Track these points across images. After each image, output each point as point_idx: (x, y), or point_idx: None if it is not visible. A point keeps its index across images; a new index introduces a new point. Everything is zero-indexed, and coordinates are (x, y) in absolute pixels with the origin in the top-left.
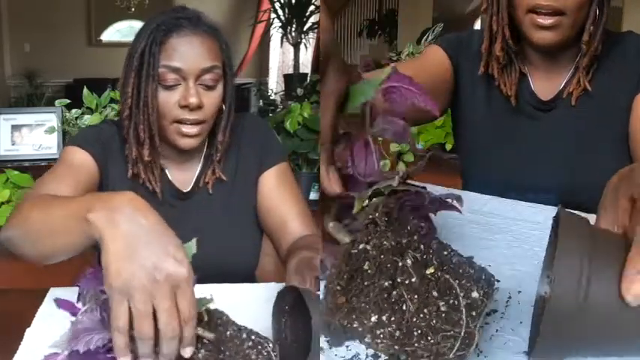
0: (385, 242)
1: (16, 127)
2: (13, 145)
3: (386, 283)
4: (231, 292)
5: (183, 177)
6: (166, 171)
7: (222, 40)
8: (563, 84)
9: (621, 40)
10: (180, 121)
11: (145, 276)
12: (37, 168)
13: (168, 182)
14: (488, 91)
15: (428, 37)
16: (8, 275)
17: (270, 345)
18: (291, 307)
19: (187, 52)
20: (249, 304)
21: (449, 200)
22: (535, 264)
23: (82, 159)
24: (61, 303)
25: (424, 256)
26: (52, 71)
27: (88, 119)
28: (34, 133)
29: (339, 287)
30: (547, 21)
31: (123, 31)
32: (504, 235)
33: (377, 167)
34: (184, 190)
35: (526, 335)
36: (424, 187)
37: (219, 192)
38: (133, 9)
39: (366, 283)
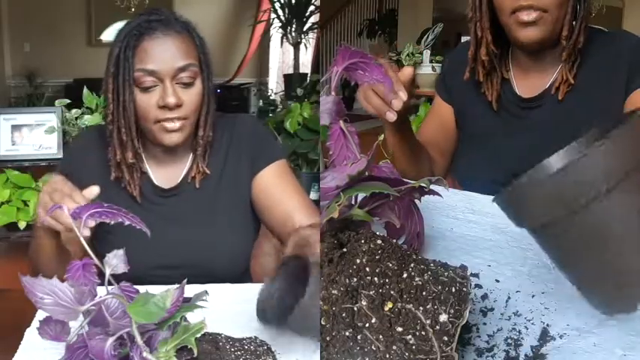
0: (334, 291)
1: (16, 127)
2: (13, 145)
3: (347, 333)
4: (231, 291)
5: (170, 175)
6: (149, 170)
7: (196, 37)
8: (550, 82)
9: (613, 38)
10: (161, 121)
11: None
12: (37, 168)
13: (150, 182)
14: (477, 97)
15: (428, 37)
16: (8, 275)
17: (271, 353)
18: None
19: (160, 54)
20: (248, 304)
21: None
22: (535, 264)
23: None
24: (44, 332)
25: (380, 290)
26: (52, 71)
27: (88, 119)
28: (34, 133)
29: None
30: (530, 16)
31: None
32: (504, 235)
33: (355, 151)
34: (167, 187)
35: (525, 333)
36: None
37: (206, 189)
38: (133, 9)
39: (328, 338)
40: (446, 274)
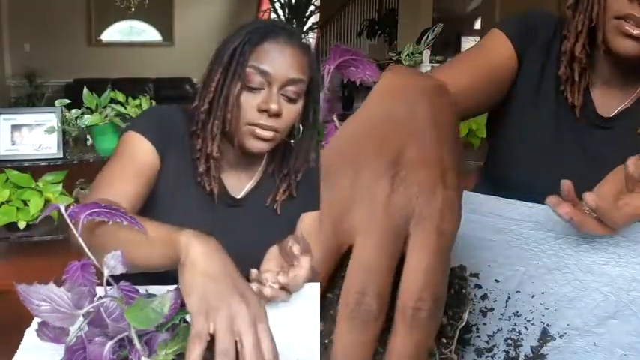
0: (329, 294)
1: (16, 127)
2: (13, 145)
3: None
4: None
5: (236, 184)
6: (221, 174)
7: (312, 58)
8: (626, 104)
9: None
10: (254, 125)
11: (233, 298)
12: (37, 168)
13: (223, 186)
14: (554, 91)
15: (428, 37)
16: (8, 275)
17: None
18: None
19: (278, 58)
20: None
21: None
22: (535, 264)
23: (144, 151)
24: (43, 334)
25: None
26: (52, 71)
27: (88, 119)
28: (34, 133)
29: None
30: (635, 31)
31: (123, 31)
32: (504, 235)
33: None
34: (236, 196)
35: (525, 334)
36: None
37: (271, 204)
38: (133, 9)
39: (326, 341)
40: None
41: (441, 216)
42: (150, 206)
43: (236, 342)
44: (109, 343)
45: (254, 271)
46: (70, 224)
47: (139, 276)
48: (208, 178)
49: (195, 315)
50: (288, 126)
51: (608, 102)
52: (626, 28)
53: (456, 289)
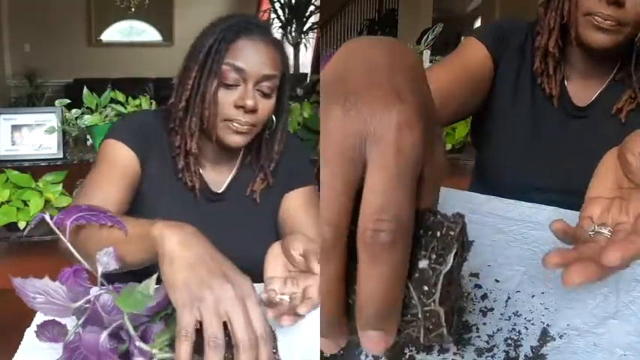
0: None
1: (16, 127)
2: (13, 145)
3: None
4: None
5: (216, 179)
6: (201, 170)
7: (284, 54)
8: (599, 91)
9: None
10: (231, 120)
11: (215, 282)
12: (37, 168)
13: (204, 182)
14: (531, 89)
15: (428, 37)
16: (8, 275)
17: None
18: None
19: (253, 55)
20: None
21: None
22: (535, 264)
23: (124, 156)
24: (42, 334)
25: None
26: (52, 71)
27: (88, 119)
28: (34, 133)
29: None
30: (606, 22)
31: (123, 31)
32: (504, 235)
33: None
34: (216, 190)
35: (525, 334)
36: None
37: (250, 195)
38: (133, 9)
39: None
40: (432, 218)
41: (398, 130)
42: (135, 209)
43: (227, 325)
44: (105, 333)
45: (263, 295)
46: (57, 231)
47: (128, 276)
48: (189, 173)
49: (180, 309)
50: (264, 120)
51: (585, 93)
52: (597, 20)
53: (442, 232)
